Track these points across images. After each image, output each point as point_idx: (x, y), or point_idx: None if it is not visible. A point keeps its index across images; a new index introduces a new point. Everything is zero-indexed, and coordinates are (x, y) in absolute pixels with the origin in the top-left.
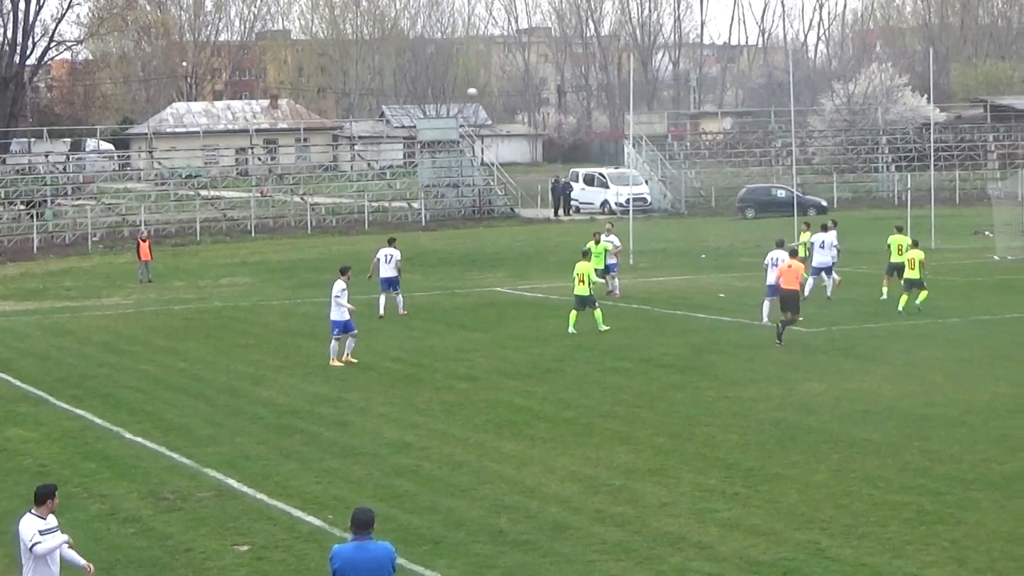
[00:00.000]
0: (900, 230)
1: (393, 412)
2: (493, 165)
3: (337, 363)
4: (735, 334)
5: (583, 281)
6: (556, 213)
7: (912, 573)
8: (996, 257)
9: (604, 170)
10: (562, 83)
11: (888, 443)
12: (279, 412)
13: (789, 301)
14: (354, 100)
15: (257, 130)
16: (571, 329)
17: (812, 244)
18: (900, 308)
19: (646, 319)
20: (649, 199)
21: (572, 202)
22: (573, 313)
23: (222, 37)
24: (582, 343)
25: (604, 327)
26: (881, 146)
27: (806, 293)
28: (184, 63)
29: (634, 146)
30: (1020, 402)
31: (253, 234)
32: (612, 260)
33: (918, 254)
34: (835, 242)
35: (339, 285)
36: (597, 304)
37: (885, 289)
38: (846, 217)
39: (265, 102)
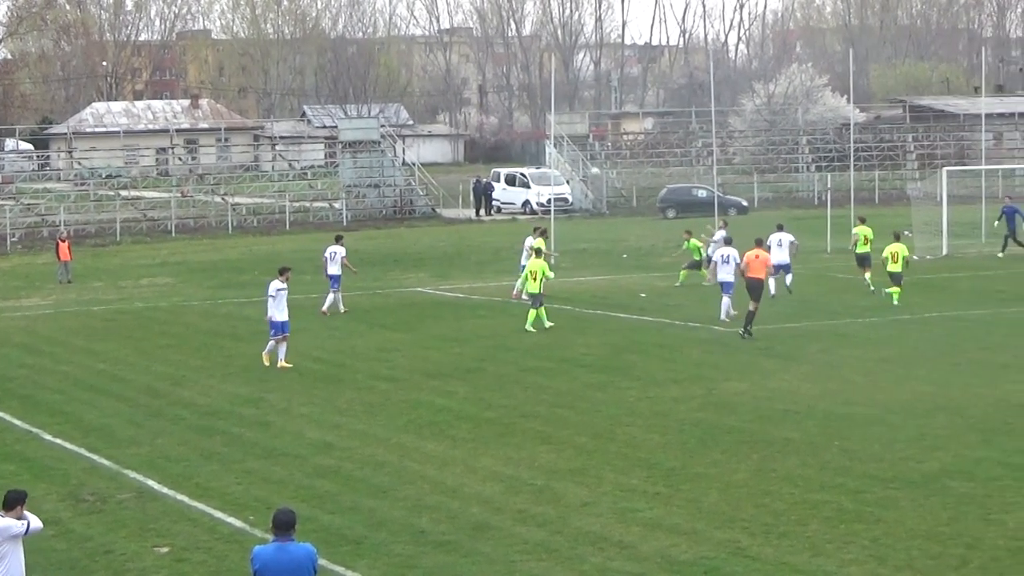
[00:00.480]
0: (863, 221)
1: (314, 413)
2: (415, 165)
3: (285, 364)
4: (656, 334)
5: (535, 278)
6: (478, 213)
7: (832, 571)
8: (915, 257)
9: (526, 170)
10: (484, 83)
11: (808, 442)
12: (200, 413)
13: (755, 290)
14: (275, 100)
15: (178, 130)
16: (547, 324)
17: (770, 244)
18: (895, 302)
19: (567, 319)
20: (570, 199)
21: (494, 202)
22: (532, 312)
23: (142, 37)
24: (503, 343)
25: (531, 328)
26: (801, 146)
27: (772, 291)
28: (104, 63)
29: (555, 146)
30: (939, 401)
31: (174, 234)
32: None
33: (901, 248)
34: (793, 239)
35: (275, 285)
36: (542, 305)
37: (868, 277)
38: (766, 217)
39: (186, 102)
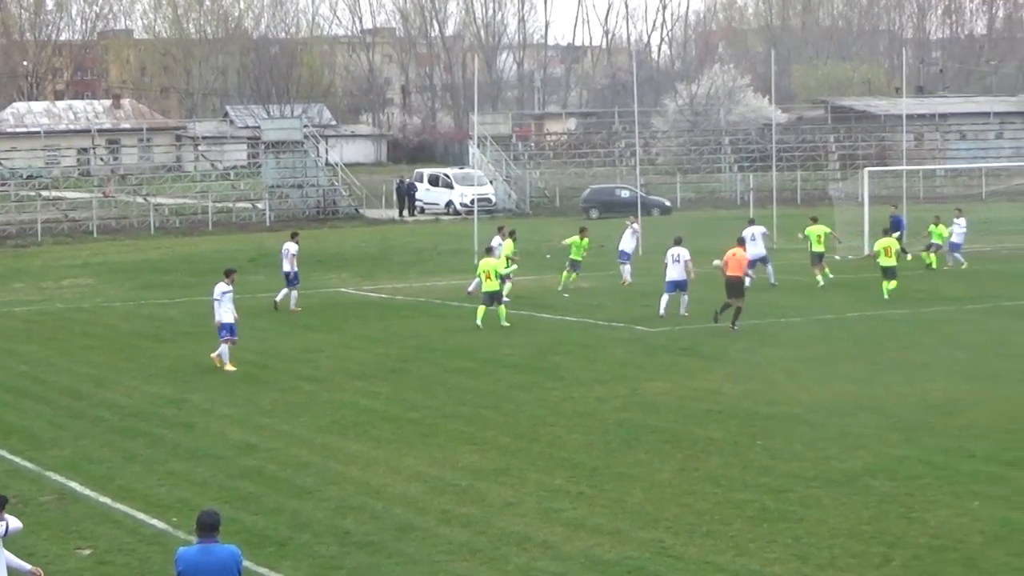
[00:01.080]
0: (816, 221)
1: (238, 414)
2: (338, 165)
3: (230, 367)
4: (580, 334)
5: (489, 277)
6: (401, 214)
7: (755, 570)
8: (837, 257)
9: (449, 170)
10: (407, 83)
11: (731, 442)
12: (122, 414)
13: (733, 288)
14: (198, 100)
15: (99, 130)
16: (478, 322)
17: (744, 238)
18: (886, 295)
19: (491, 319)
20: (494, 199)
21: (417, 203)
22: (481, 308)
23: (63, 36)
24: (427, 344)
25: (506, 323)
26: (724, 146)
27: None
28: (24, 62)
29: (479, 146)
30: (861, 400)
31: (95, 235)
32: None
33: (893, 243)
34: (765, 230)
35: (220, 287)
36: (504, 301)
37: (819, 277)
38: (689, 217)
39: (107, 102)
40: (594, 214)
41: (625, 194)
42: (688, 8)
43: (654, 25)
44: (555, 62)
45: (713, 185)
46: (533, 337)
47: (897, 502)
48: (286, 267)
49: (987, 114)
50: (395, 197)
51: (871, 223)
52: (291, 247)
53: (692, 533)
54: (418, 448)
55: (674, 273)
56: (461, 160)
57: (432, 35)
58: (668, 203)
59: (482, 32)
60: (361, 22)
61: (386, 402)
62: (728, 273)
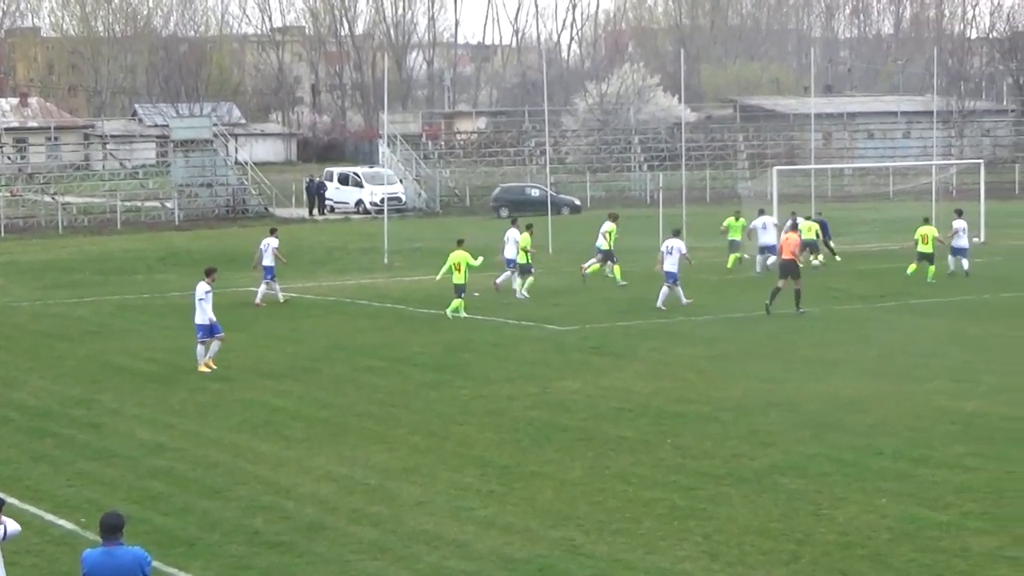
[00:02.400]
0: (738, 217)
1: (147, 413)
2: (247, 164)
3: (204, 368)
4: (490, 333)
5: (459, 269)
6: (311, 212)
7: (665, 568)
8: (746, 256)
9: (359, 169)
10: (316, 82)
11: (641, 440)
12: (30, 414)
13: (788, 270)
14: (106, 99)
15: (6, 129)
16: (450, 313)
17: (755, 227)
18: (929, 278)
19: (401, 318)
20: (404, 198)
21: (327, 201)
22: (457, 301)
23: None
24: (337, 343)
25: (459, 314)
26: (633, 145)
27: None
28: None
29: (389, 145)
30: (770, 398)
31: (3, 234)
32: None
33: (931, 230)
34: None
35: (202, 287)
36: (465, 294)
37: (729, 265)
38: (599, 216)
39: (14, 100)
40: (504, 213)
41: (535, 193)
42: (598, 7)
43: (564, 24)
44: (465, 61)
45: (623, 184)
46: (443, 336)
47: (806, 499)
48: (268, 261)
49: (894, 113)
50: (305, 196)
51: (779, 221)
52: (272, 241)
53: (602, 531)
54: (328, 447)
55: (669, 265)
56: (371, 159)
57: (342, 34)
58: (578, 202)
59: (392, 31)
60: (271, 21)
61: (296, 401)
62: (782, 257)
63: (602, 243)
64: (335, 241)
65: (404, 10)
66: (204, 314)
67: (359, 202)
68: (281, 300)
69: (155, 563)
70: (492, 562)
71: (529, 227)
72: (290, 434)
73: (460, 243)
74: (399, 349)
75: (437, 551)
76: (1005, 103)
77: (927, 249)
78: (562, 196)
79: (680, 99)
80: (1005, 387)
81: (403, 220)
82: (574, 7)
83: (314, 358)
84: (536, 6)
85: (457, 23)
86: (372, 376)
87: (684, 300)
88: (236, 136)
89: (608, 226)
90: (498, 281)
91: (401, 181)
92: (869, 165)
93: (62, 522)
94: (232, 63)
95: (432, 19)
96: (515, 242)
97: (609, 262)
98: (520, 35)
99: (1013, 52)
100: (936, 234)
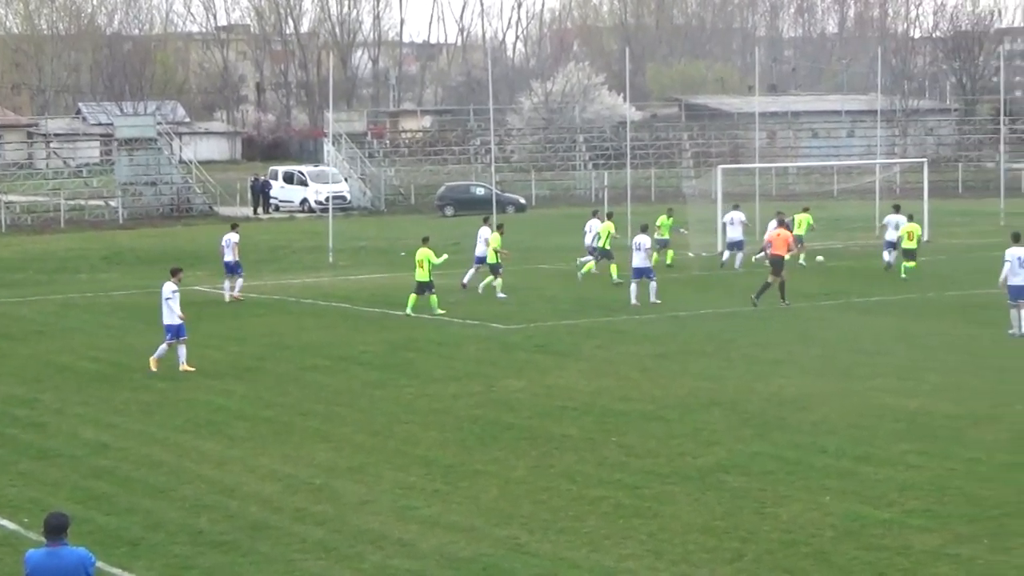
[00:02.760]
0: (670, 214)
1: (90, 413)
2: (192, 163)
3: (153, 367)
4: (434, 331)
5: (422, 266)
6: (255, 211)
7: (610, 566)
8: (691, 254)
9: (304, 168)
10: (261, 81)
11: (586, 438)
12: None
13: (775, 266)
14: (49, 97)
15: None
16: (409, 311)
17: (725, 223)
18: (903, 275)
19: (345, 317)
20: (349, 197)
21: (272, 200)
22: (412, 296)
23: None
24: (281, 341)
25: (439, 311)
26: (578, 144)
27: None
28: None
29: (334, 144)
30: (714, 396)
31: None
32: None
33: (915, 228)
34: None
35: (169, 287)
36: (434, 290)
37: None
38: (544, 215)
39: None
40: (449, 211)
41: (480, 192)
42: (543, 6)
43: (509, 23)
44: (410, 60)
45: (568, 183)
46: (387, 334)
47: (750, 497)
48: (229, 257)
49: (838, 112)
50: (250, 195)
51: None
52: (233, 237)
53: (547, 530)
54: (273, 446)
55: (637, 261)
56: (316, 158)
57: (287, 32)
58: (523, 201)
59: (337, 29)
60: (215, 19)
61: (240, 400)
62: (773, 252)
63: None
64: (280, 240)
65: (349, 8)
66: (172, 314)
67: (304, 201)
68: (227, 299)
69: (98, 563)
70: (436, 561)
71: (500, 227)
72: (234, 433)
73: (425, 241)
74: (344, 348)
75: (382, 550)
76: (948, 102)
77: (911, 245)
78: (507, 195)
79: (625, 98)
80: (948, 385)
81: (348, 219)
82: (519, 5)
83: (258, 357)
84: (481, 5)
85: (402, 22)
86: (317, 375)
87: (634, 301)
88: (180, 135)
89: (601, 226)
90: (464, 281)
91: (346, 180)
92: (813, 164)
93: (4, 522)
94: (177, 61)
95: (377, 18)
96: (486, 241)
97: (606, 260)
98: (465, 34)
99: (956, 51)
100: (920, 231)
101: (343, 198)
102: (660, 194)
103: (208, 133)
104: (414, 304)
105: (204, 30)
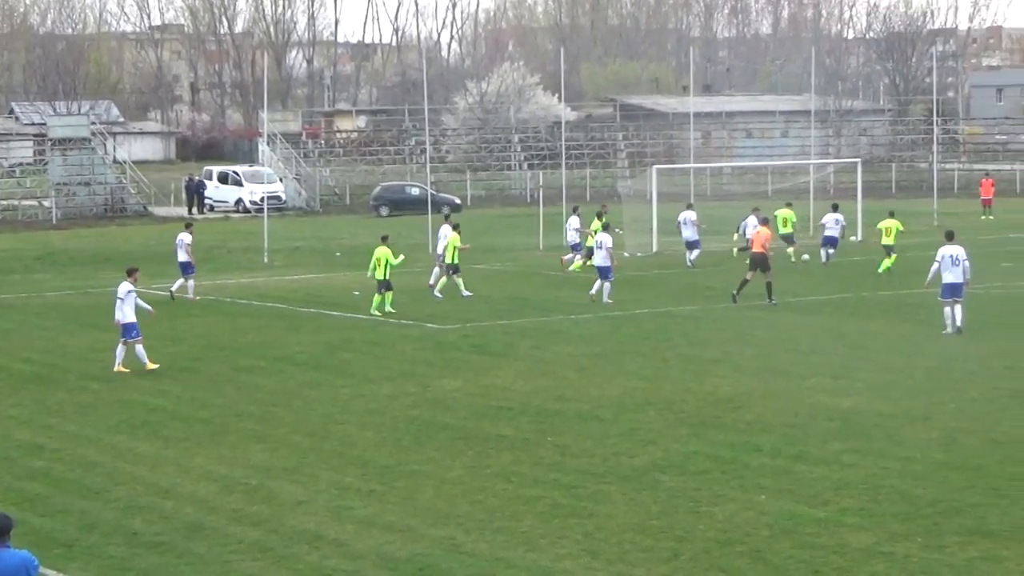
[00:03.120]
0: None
1: (24, 414)
2: (126, 163)
3: (151, 366)
4: (370, 332)
5: (381, 265)
6: (190, 211)
7: (546, 566)
8: (626, 254)
9: (238, 168)
10: (196, 80)
11: (521, 438)
12: None
13: (759, 264)
14: None
15: None
16: (373, 311)
17: (679, 222)
18: (880, 270)
19: (281, 317)
20: (283, 197)
21: (206, 200)
22: (376, 297)
23: None
24: (216, 342)
25: (390, 309)
26: (514, 144)
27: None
28: None
29: (268, 144)
30: (649, 396)
31: None
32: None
33: (894, 223)
34: (578, 227)
35: (124, 287)
36: (391, 288)
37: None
38: (480, 215)
39: None
40: (384, 212)
41: (416, 192)
42: (478, 6)
43: (444, 23)
44: (345, 59)
45: (503, 183)
46: (323, 335)
47: (686, 496)
48: (182, 257)
49: (772, 112)
50: (184, 195)
51: (659, 220)
52: (186, 237)
53: (483, 529)
54: (208, 447)
55: (598, 260)
56: (251, 158)
57: (221, 32)
58: (458, 201)
59: (272, 29)
60: (149, 19)
61: (175, 401)
62: (753, 250)
63: (574, 238)
64: (215, 240)
65: (284, 8)
66: (123, 313)
67: (239, 201)
68: (172, 296)
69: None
70: (372, 561)
71: (456, 226)
72: (169, 434)
73: (384, 239)
74: (279, 348)
75: (318, 551)
76: (882, 103)
77: (889, 242)
78: (442, 195)
79: (560, 98)
80: (882, 384)
81: (283, 219)
82: (454, 6)
83: (193, 357)
84: (416, 5)
85: (337, 22)
86: (252, 375)
87: (602, 298)
88: (114, 134)
89: (577, 221)
90: (431, 282)
91: (281, 180)
92: (748, 164)
93: None
94: (110, 61)
95: (312, 17)
96: (445, 239)
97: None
98: (400, 34)
99: (889, 52)
100: (901, 227)
101: (278, 198)
102: (595, 194)
103: (142, 133)
104: (378, 304)
105: (138, 30)
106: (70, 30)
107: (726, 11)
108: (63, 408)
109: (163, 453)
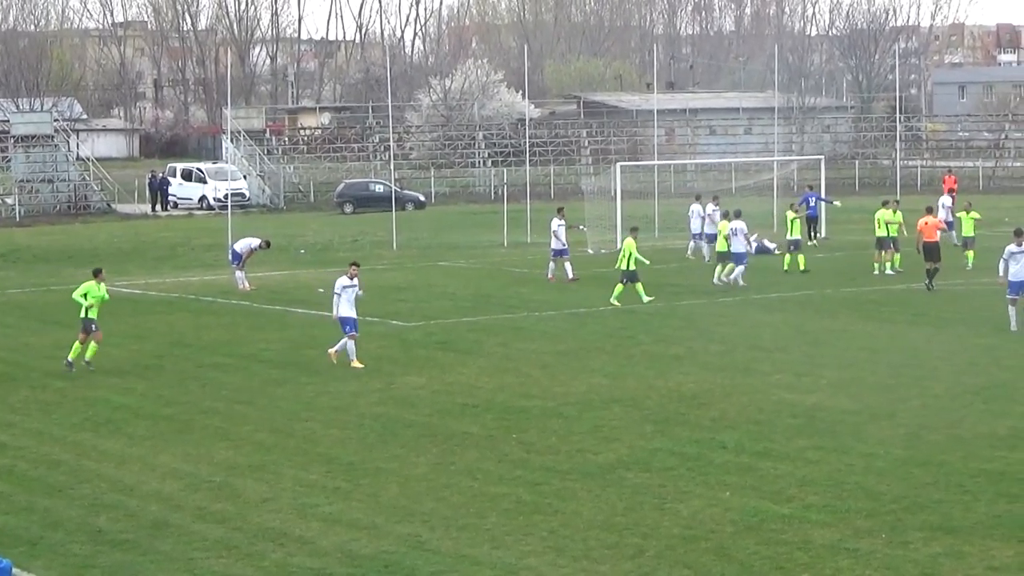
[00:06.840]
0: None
1: None
2: (89, 160)
3: (357, 364)
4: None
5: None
6: (154, 208)
7: (511, 563)
8: (590, 251)
9: (202, 165)
10: (159, 77)
11: (486, 435)
12: None
13: (932, 252)
14: None
15: None
16: None
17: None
18: (877, 271)
19: (245, 315)
20: (247, 194)
21: (170, 197)
22: None
23: None
24: (181, 340)
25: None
26: (477, 141)
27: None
28: None
29: (232, 141)
30: (614, 393)
31: None
32: None
33: (887, 214)
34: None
35: (341, 281)
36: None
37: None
38: (444, 212)
39: None
40: (348, 209)
41: (379, 189)
42: (441, 3)
43: (407, 20)
44: (308, 56)
45: (467, 180)
46: (287, 332)
47: (651, 493)
48: None
49: (736, 109)
50: (148, 192)
51: (623, 217)
52: None
53: (448, 527)
54: (173, 445)
55: (555, 243)
56: (214, 155)
57: (184, 28)
58: (422, 198)
59: (235, 26)
60: (112, 15)
61: (140, 399)
62: (925, 239)
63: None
64: (178, 237)
65: (247, 5)
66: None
67: (203, 198)
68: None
69: None
70: (337, 558)
71: (634, 229)
72: (134, 432)
73: (633, 230)
74: (244, 346)
75: (283, 548)
76: (845, 100)
77: (882, 233)
78: (406, 192)
79: (524, 95)
80: (845, 381)
81: (247, 216)
82: (417, 3)
83: (158, 355)
84: (380, 2)
85: (300, 18)
86: (217, 373)
87: (571, 275)
88: (77, 131)
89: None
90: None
91: (245, 177)
92: (711, 161)
93: None
94: (73, 58)
95: (275, 14)
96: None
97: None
98: (363, 31)
99: (852, 49)
100: (898, 219)
101: (242, 195)
102: (559, 191)
103: (106, 130)
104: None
105: (101, 26)
106: (33, 27)
107: (689, 8)
108: (27, 406)
109: (127, 451)
